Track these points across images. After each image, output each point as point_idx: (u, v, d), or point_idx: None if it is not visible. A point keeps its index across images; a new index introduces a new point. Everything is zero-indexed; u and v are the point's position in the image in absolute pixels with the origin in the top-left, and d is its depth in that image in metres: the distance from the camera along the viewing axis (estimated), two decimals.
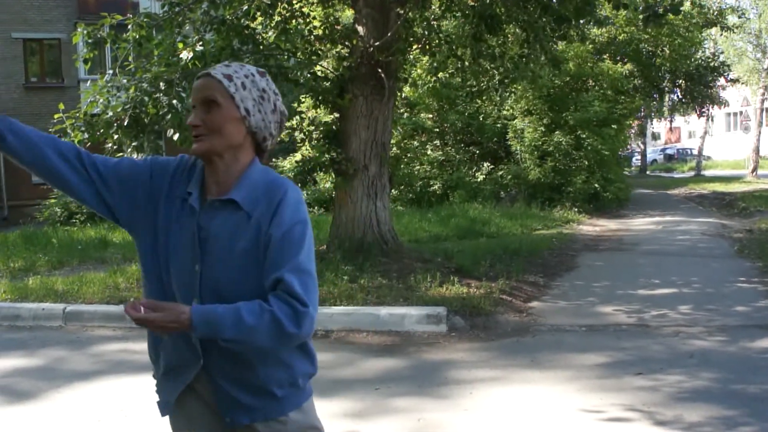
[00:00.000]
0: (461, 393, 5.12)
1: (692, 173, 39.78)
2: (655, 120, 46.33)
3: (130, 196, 2.08)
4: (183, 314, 1.88)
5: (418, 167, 20.95)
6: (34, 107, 24.57)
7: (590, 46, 20.36)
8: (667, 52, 24.25)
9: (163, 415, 2.19)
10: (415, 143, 21.27)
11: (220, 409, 2.09)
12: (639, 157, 46.82)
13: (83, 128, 8.57)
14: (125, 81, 8.72)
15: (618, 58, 22.74)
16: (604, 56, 21.45)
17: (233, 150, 2.04)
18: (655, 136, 65.44)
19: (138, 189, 2.08)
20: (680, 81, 26.71)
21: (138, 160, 2.13)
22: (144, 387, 5.35)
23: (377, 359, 6.08)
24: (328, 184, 19.47)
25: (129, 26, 8.82)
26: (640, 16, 10.02)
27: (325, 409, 4.81)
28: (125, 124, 8.41)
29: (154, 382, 2.23)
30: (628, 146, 33.64)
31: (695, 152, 44.15)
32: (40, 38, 25.68)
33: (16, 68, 25.38)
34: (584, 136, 18.81)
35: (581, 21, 9.19)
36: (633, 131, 35.27)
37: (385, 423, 4.58)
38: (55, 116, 8.70)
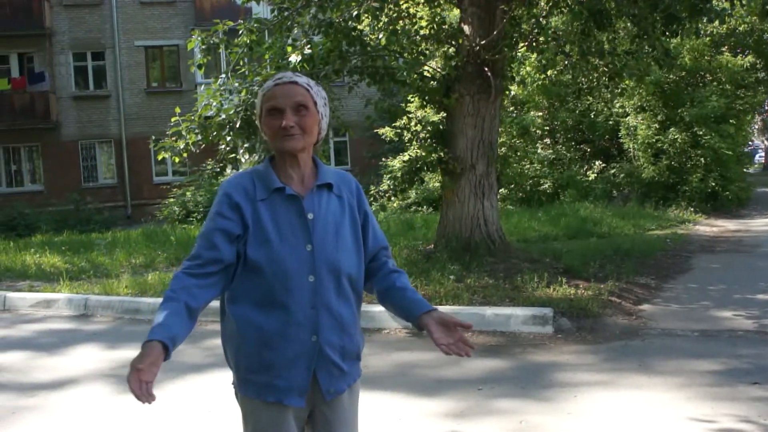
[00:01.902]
0: (565, 396, 5.03)
1: None
2: None
3: (236, 237, 2.28)
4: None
5: (528, 166, 20.69)
6: (155, 111, 25.76)
7: (707, 38, 19.52)
8: None
9: (300, 404, 2.32)
10: (525, 142, 21.02)
11: (322, 383, 2.32)
12: (763, 155, 44.63)
13: (197, 131, 8.93)
14: (237, 84, 9.03)
15: (738, 50, 21.73)
16: (723, 49, 20.50)
17: (311, 146, 2.38)
18: None
19: (237, 225, 2.28)
20: None
21: (225, 210, 2.29)
22: None
23: (481, 359, 6.05)
24: (436, 184, 19.52)
25: (240, 31, 9.11)
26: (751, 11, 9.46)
27: (428, 408, 4.87)
28: (237, 126, 8.70)
29: (262, 384, 2.30)
30: (750, 143, 32.12)
31: None
32: (160, 45, 26.86)
33: (139, 74, 26.65)
34: (701, 132, 18.10)
35: (696, 18, 8.77)
36: (756, 127, 33.64)
37: (487, 424, 4.55)
38: (172, 120, 9.10)
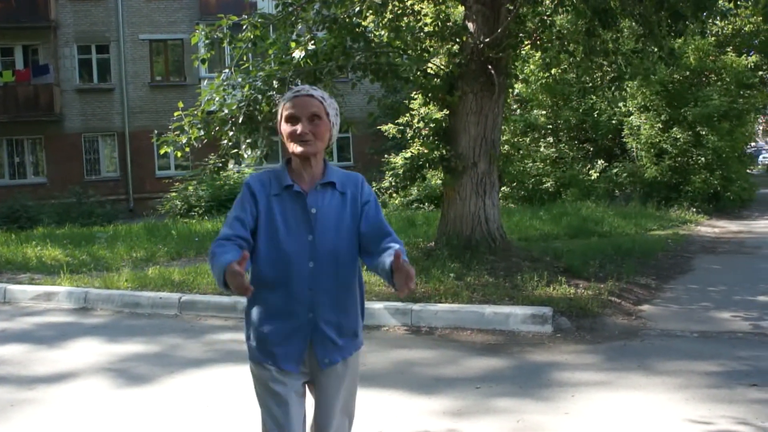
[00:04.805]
0: (563, 396, 5.03)
1: None
2: None
3: (254, 216, 2.71)
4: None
5: (530, 164, 20.67)
6: (159, 105, 25.79)
7: (713, 38, 19.46)
8: None
9: (295, 369, 2.73)
10: (528, 140, 20.99)
11: (318, 354, 2.73)
12: (767, 155, 44.56)
13: (199, 126, 8.92)
14: (240, 80, 9.02)
15: (744, 50, 21.68)
16: (728, 49, 20.45)
17: (323, 150, 2.75)
18: None
19: (256, 209, 2.71)
20: None
21: (245, 200, 2.72)
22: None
23: (480, 358, 6.06)
24: (438, 181, 19.50)
25: (244, 27, 9.10)
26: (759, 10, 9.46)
27: (426, 406, 4.87)
28: (240, 121, 8.69)
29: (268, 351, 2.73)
30: (754, 143, 32.06)
31: None
32: (165, 39, 26.87)
33: (143, 68, 26.67)
34: (704, 132, 18.07)
35: (701, 16, 8.74)
36: (760, 128, 33.55)
37: (485, 423, 4.55)
38: (175, 114, 9.10)
